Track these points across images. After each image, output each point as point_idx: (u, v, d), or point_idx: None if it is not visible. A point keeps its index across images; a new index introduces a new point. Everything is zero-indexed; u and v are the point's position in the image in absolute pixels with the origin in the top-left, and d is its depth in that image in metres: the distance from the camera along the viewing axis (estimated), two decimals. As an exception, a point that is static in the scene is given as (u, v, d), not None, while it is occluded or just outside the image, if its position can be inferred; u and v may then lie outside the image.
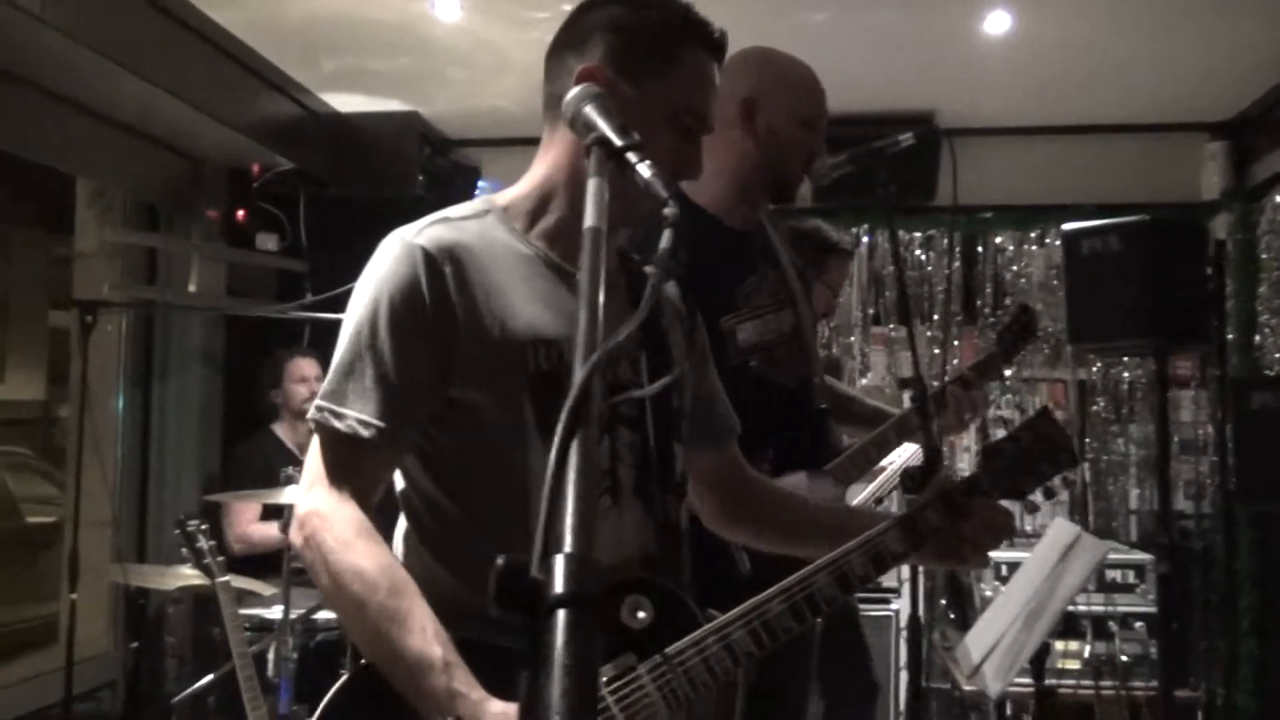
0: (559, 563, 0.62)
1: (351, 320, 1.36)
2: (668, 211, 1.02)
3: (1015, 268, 5.22)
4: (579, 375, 0.75)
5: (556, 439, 0.70)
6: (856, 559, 1.46)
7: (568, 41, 1.45)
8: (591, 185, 1.01)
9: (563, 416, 0.71)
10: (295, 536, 1.32)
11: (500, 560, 0.65)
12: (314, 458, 1.34)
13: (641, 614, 1.32)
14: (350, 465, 1.32)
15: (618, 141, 1.10)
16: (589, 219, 0.95)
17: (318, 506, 1.30)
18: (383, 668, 1.25)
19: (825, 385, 2.38)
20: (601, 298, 0.86)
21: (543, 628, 0.60)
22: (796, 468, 2.16)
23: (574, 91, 1.21)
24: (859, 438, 2.55)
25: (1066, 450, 1.68)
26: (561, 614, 0.59)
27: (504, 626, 1.31)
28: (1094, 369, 5.14)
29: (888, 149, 2.12)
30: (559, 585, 0.61)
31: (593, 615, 0.60)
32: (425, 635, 1.23)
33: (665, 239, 0.98)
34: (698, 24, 1.44)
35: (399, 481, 1.43)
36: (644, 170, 1.08)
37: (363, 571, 1.25)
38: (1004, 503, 1.63)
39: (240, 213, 4.65)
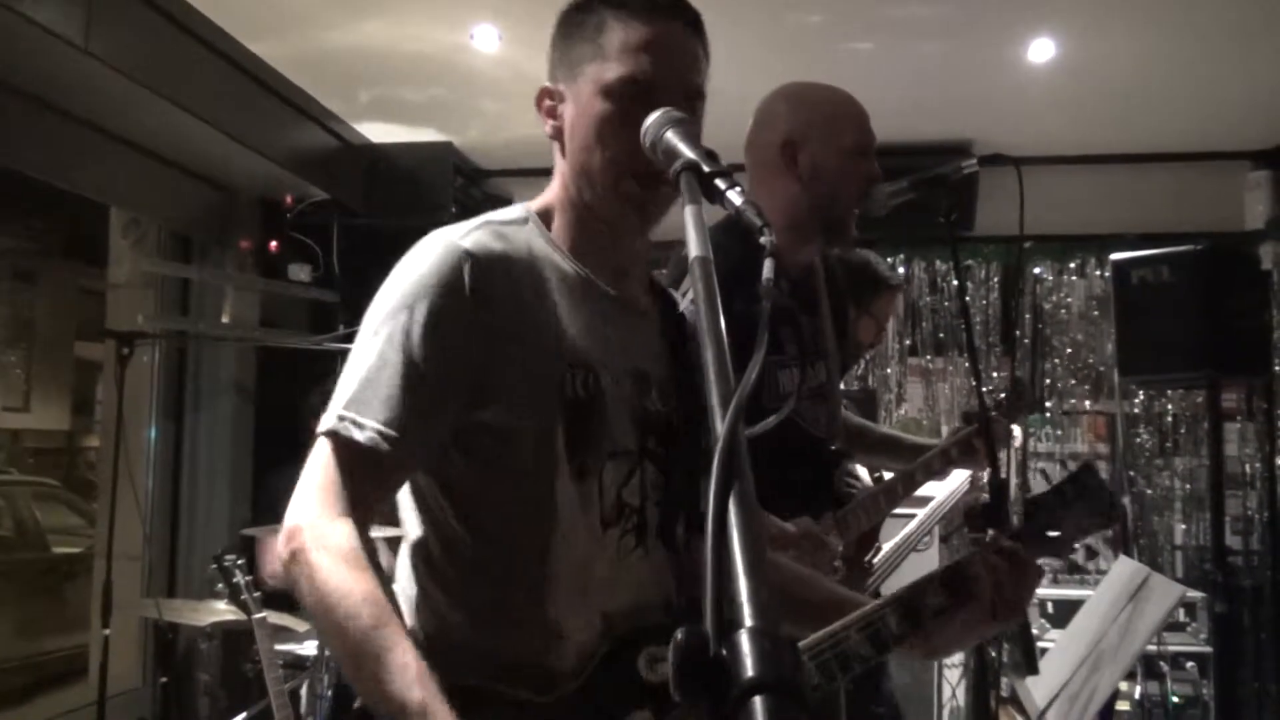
0: (745, 639, 0.55)
1: (380, 320, 1.24)
2: (765, 240, 0.96)
3: (1055, 298, 5.15)
4: (722, 423, 0.67)
5: (711, 496, 0.62)
6: (854, 636, 1.37)
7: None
8: (689, 213, 0.96)
9: (714, 469, 0.63)
10: (281, 549, 1.20)
11: (680, 634, 0.57)
12: (316, 466, 1.22)
13: (660, 665, 1.23)
14: (360, 480, 1.21)
15: (706, 168, 1.05)
16: (695, 248, 0.89)
17: (312, 520, 1.19)
18: (364, 699, 1.16)
19: (841, 423, 2.34)
20: (725, 334, 0.79)
21: (732, 716, 0.52)
22: (804, 511, 2.10)
23: (653, 117, 1.16)
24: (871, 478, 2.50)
25: (1109, 508, 1.65)
26: (758, 701, 0.52)
27: (514, 674, 1.26)
28: (1136, 401, 5.05)
29: (952, 175, 2.06)
30: (750, 667, 0.54)
31: (796, 704, 0.53)
32: (405, 676, 1.12)
33: (767, 268, 0.91)
34: None
35: (411, 511, 1.33)
36: (735, 197, 1.02)
37: (346, 596, 1.14)
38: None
39: (273, 243, 4.64)
